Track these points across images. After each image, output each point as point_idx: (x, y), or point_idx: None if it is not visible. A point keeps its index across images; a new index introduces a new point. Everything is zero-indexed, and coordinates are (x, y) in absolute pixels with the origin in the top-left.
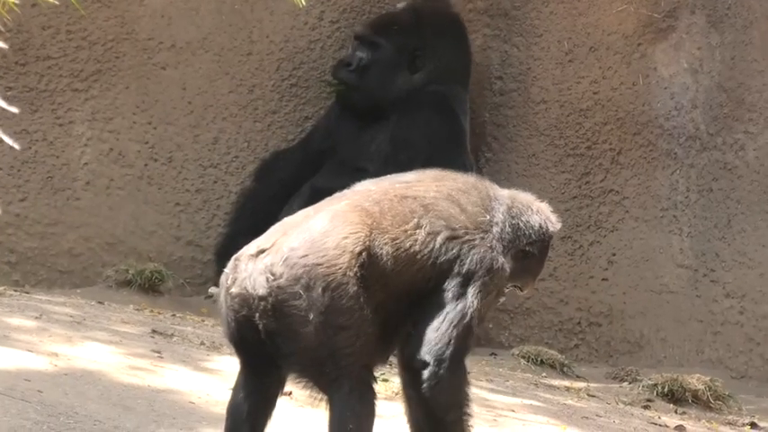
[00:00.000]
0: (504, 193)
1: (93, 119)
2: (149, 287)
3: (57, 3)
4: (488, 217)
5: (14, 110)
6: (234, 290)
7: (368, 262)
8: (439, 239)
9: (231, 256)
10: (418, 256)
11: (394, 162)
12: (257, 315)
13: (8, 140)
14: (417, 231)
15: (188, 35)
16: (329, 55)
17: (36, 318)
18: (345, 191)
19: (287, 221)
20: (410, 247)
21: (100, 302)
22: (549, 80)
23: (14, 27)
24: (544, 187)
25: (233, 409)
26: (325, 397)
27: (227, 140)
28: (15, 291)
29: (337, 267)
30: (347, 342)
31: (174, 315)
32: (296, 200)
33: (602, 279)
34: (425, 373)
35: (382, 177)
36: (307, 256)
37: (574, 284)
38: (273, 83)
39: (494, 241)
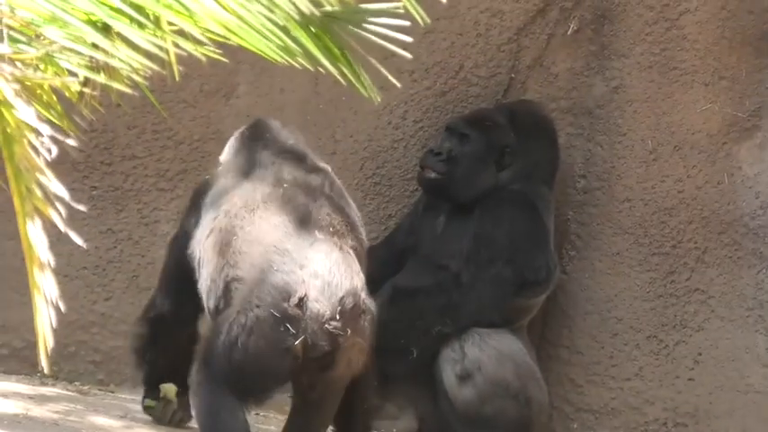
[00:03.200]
0: None
1: (178, 218)
2: None
3: (139, 103)
4: None
5: (82, 208)
6: None
7: None
8: None
9: None
10: None
11: (475, 260)
12: None
13: (76, 239)
14: None
15: None
16: (412, 154)
17: (121, 417)
18: None
19: None
20: None
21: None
22: (633, 178)
23: (100, 127)
24: (629, 286)
25: None
26: None
27: None
28: (100, 390)
29: None
30: None
31: (257, 414)
32: (377, 299)
33: (689, 379)
34: None
35: None
36: None
37: (660, 384)
38: (357, 181)
39: None
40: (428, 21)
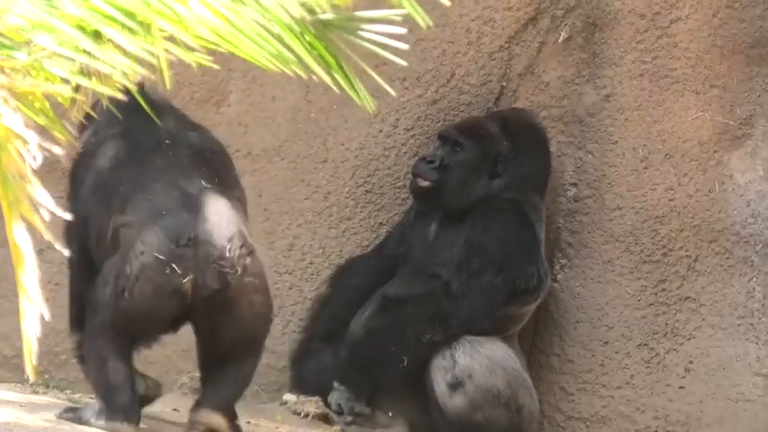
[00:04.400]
0: None
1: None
2: None
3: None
4: None
5: (67, 216)
6: None
7: None
8: None
9: (306, 362)
10: None
11: (466, 269)
12: None
13: (60, 248)
14: None
15: (264, 143)
16: (404, 162)
17: None
18: None
19: None
20: None
21: (175, 409)
22: (624, 186)
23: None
24: (620, 294)
25: None
26: None
27: (302, 247)
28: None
29: None
30: None
31: (248, 422)
32: (367, 306)
33: (679, 387)
34: None
35: None
36: None
37: (651, 392)
38: (348, 189)
39: None
40: (430, 23)
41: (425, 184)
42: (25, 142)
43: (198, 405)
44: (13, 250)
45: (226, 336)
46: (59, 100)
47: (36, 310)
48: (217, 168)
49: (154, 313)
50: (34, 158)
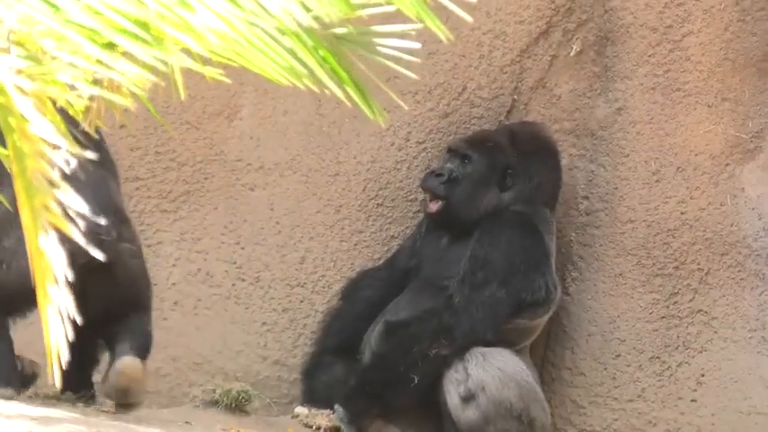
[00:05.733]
0: None
1: (181, 239)
2: (236, 407)
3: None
4: None
5: (102, 222)
6: None
7: None
8: None
9: (317, 375)
10: None
11: (470, 282)
12: None
13: (96, 254)
14: None
15: (276, 156)
16: (415, 175)
17: None
18: None
19: None
20: None
21: (187, 422)
22: (636, 200)
23: None
24: (632, 307)
25: None
26: None
27: (313, 260)
28: (103, 411)
29: None
30: None
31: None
32: (380, 319)
33: (691, 400)
34: None
35: None
36: None
37: (663, 405)
38: (360, 203)
39: None
40: (450, 37)
41: (435, 208)
42: (56, 148)
43: (109, 365)
44: (36, 260)
45: (107, 300)
46: (71, 112)
47: (64, 315)
48: (91, 144)
49: (32, 286)
50: (67, 163)
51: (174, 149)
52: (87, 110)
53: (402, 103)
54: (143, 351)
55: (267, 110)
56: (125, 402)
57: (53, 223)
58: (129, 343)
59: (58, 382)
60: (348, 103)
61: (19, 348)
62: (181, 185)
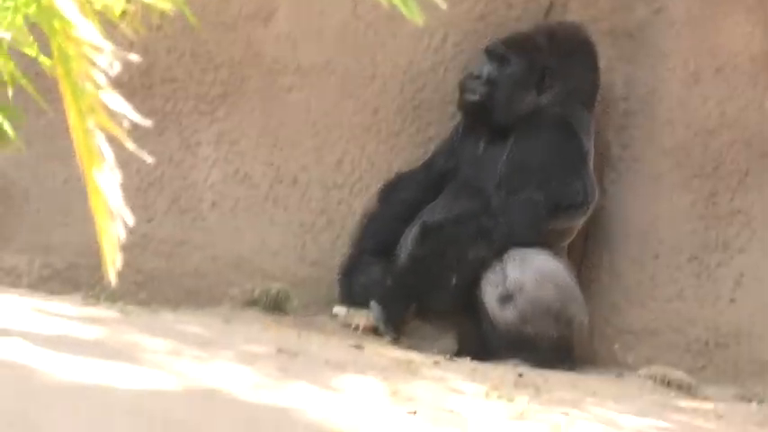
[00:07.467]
0: None
1: (218, 141)
2: (275, 307)
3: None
4: None
5: (147, 123)
6: None
7: None
8: None
9: (355, 275)
10: None
11: (507, 185)
12: None
13: (143, 155)
14: None
15: (312, 58)
16: (452, 77)
17: (163, 337)
18: None
19: None
20: None
21: (226, 322)
22: (674, 101)
23: (140, 49)
24: (670, 208)
25: None
26: None
27: (351, 162)
28: (142, 310)
29: None
30: None
31: (299, 335)
32: (417, 221)
33: (730, 300)
34: None
35: None
36: None
37: (701, 305)
38: (397, 105)
39: None
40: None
41: (473, 98)
42: (100, 50)
43: None
44: (84, 157)
45: None
46: (109, 15)
47: (118, 217)
48: None
49: None
50: (111, 66)
51: (211, 50)
52: (125, 13)
53: (441, 3)
54: None
55: (303, 11)
56: None
57: (99, 124)
58: None
59: (113, 280)
60: (384, 3)
61: (56, 248)
62: (218, 87)
